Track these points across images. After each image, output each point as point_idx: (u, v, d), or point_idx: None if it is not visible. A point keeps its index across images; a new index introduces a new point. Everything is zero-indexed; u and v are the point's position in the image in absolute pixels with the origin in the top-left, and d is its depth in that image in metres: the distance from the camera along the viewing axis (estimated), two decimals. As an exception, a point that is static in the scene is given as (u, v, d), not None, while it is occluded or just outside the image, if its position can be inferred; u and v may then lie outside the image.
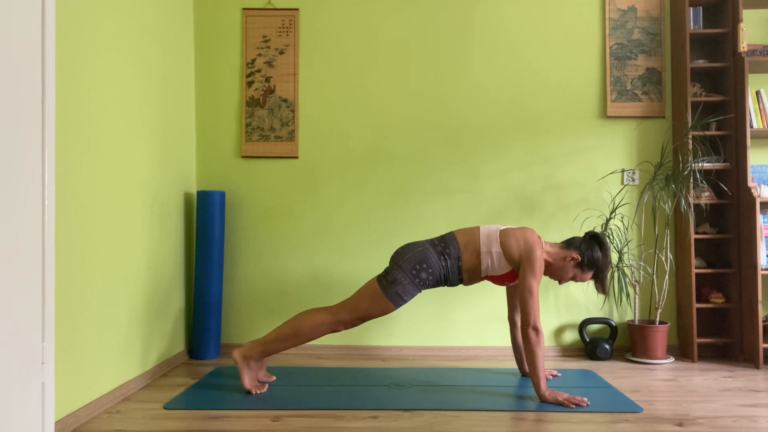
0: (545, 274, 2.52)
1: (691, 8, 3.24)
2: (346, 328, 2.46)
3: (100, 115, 2.28)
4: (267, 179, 3.38)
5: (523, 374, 2.76)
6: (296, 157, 3.38)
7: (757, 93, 3.14)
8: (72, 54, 2.09)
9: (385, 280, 2.42)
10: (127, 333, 2.51)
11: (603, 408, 2.25)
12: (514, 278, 2.52)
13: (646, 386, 2.61)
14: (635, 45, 3.35)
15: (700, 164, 3.14)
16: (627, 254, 3.26)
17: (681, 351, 3.26)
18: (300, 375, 2.77)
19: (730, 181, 3.20)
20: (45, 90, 1.60)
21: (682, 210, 3.11)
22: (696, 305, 3.08)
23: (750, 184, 3.05)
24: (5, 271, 1.44)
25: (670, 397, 2.42)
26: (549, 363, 3.09)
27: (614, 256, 3.27)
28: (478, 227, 2.52)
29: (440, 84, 3.38)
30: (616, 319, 3.31)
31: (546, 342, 3.32)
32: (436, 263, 2.43)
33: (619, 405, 2.29)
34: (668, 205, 3.18)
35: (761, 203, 3.17)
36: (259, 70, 3.39)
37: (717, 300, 3.14)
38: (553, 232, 3.34)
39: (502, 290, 3.31)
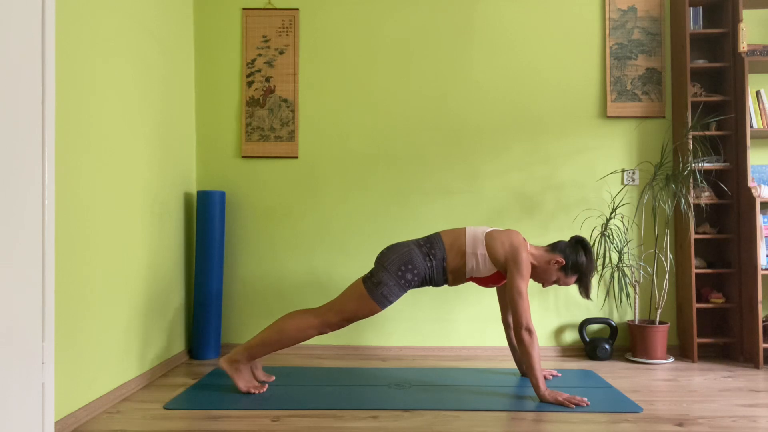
0: (532, 277, 2.53)
1: (691, 8, 3.24)
2: (333, 330, 2.46)
3: (100, 115, 2.28)
4: (267, 179, 3.38)
5: (523, 374, 2.76)
6: (296, 157, 3.38)
7: (757, 93, 3.14)
8: (72, 54, 2.09)
9: (370, 281, 2.42)
10: (127, 333, 2.51)
11: (603, 408, 2.25)
12: (499, 280, 2.52)
13: (646, 386, 2.61)
14: (635, 45, 3.35)
15: (700, 164, 3.14)
16: (627, 254, 3.26)
17: (681, 351, 3.26)
18: (300, 375, 2.77)
19: (730, 181, 3.20)
20: (45, 90, 1.60)
21: (682, 210, 3.11)
22: (696, 305, 3.08)
23: (750, 184, 3.05)
24: (5, 271, 1.44)
25: (670, 397, 2.42)
26: (549, 363, 3.09)
27: (614, 256, 3.27)
28: (465, 228, 2.52)
29: (440, 84, 3.38)
30: (616, 319, 3.31)
31: (546, 342, 3.32)
32: (421, 264, 2.44)
33: (619, 405, 2.29)
34: (668, 205, 3.18)
35: (761, 203, 3.17)
36: (259, 70, 3.39)
37: (717, 300, 3.14)
38: (553, 232, 3.34)
39: (502, 290, 3.31)
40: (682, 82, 3.20)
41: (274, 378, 2.66)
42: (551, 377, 2.73)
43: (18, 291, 1.49)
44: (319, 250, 3.36)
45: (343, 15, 3.41)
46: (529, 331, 2.33)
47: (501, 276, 2.50)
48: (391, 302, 2.43)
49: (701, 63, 3.19)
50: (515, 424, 2.07)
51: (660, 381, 2.70)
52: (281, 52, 3.39)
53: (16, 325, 1.48)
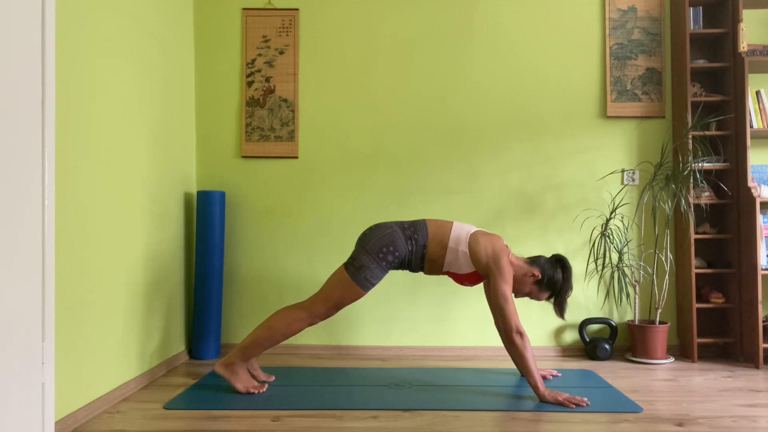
0: (486, 285, 2.54)
1: (691, 8, 3.24)
2: (322, 320, 2.47)
3: (100, 115, 2.28)
4: (267, 179, 3.38)
5: (523, 374, 2.76)
6: (296, 157, 3.38)
7: (757, 93, 3.14)
8: (72, 54, 2.09)
9: (352, 266, 2.43)
10: (127, 333, 2.51)
11: (603, 408, 2.25)
12: (476, 280, 2.53)
13: (646, 386, 2.61)
14: (635, 45, 3.35)
15: (700, 164, 3.14)
16: (627, 254, 3.26)
17: (681, 351, 3.26)
18: (300, 375, 2.77)
19: (730, 181, 3.20)
20: (45, 90, 1.60)
21: (682, 210, 3.11)
22: (696, 305, 3.08)
23: (750, 184, 3.05)
24: (5, 271, 1.44)
25: (670, 397, 2.42)
26: (549, 363, 3.09)
27: (614, 256, 3.27)
28: (452, 223, 2.53)
29: (440, 84, 3.38)
30: (616, 319, 3.31)
31: (546, 342, 3.32)
32: (402, 246, 2.44)
33: (619, 405, 2.29)
34: (668, 205, 3.18)
35: (761, 203, 3.17)
36: (259, 70, 3.39)
37: (717, 300, 3.14)
38: (553, 232, 3.34)
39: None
40: (682, 82, 3.20)
41: (273, 378, 2.66)
42: (551, 377, 2.73)
43: (18, 291, 1.49)
44: (319, 250, 3.36)
45: (343, 15, 3.41)
46: (520, 333, 2.33)
47: (478, 277, 2.51)
48: (374, 285, 2.45)
49: (701, 63, 3.19)
50: (515, 424, 2.07)
51: (660, 381, 2.70)
52: (281, 52, 3.39)
53: (16, 325, 1.48)
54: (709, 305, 3.10)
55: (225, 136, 3.40)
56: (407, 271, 2.58)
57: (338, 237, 3.36)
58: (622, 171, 3.35)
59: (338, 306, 2.45)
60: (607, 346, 3.14)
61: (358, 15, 3.40)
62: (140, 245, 2.63)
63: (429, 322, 3.33)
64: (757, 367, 2.94)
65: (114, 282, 2.38)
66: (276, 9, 3.40)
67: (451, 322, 3.32)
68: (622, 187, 3.35)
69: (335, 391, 2.48)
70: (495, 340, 3.31)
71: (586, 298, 3.33)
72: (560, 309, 2.52)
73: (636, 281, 3.19)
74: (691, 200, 3.10)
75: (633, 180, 3.34)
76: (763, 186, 3.08)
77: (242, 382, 2.46)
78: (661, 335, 3.05)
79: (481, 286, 3.33)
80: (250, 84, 3.38)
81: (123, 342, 2.46)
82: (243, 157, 3.38)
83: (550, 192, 3.35)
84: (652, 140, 3.35)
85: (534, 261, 2.54)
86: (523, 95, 3.37)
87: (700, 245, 3.32)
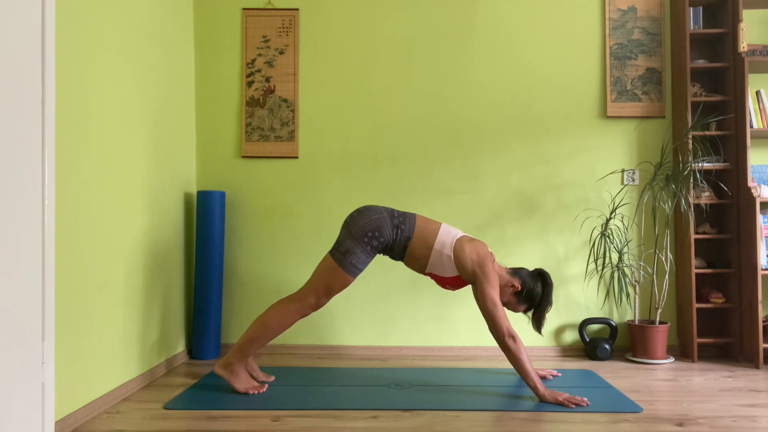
0: (474, 292, 2.54)
1: (691, 8, 3.24)
2: (315, 309, 2.47)
3: (100, 115, 2.28)
4: (267, 179, 3.38)
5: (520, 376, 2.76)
6: (296, 157, 3.38)
7: (757, 93, 3.14)
8: (72, 54, 2.09)
9: (338, 252, 2.43)
10: (127, 333, 2.51)
11: (603, 408, 2.25)
12: (458, 285, 2.54)
13: (646, 386, 2.61)
14: (635, 45, 3.35)
15: (700, 164, 3.14)
16: (627, 254, 3.26)
17: (681, 351, 3.26)
18: (300, 375, 2.77)
19: (730, 181, 3.20)
20: (45, 90, 1.60)
21: (682, 210, 3.11)
22: (696, 305, 3.08)
23: (750, 184, 3.05)
24: (5, 271, 1.44)
25: (670, 397, 2.42)
26: (549, 363, 3.09)
27: (614, 256, 3.27)
28: (440, 224, 2.52)
29: (440, 84, 3.38)
30: (616, 319, 3.31)
31: (546, 342, 3.32)
32: (388, 233, 2.45)
33: (619, 405, 2.29)
34: (668, 205, 3.18)
35: (761, 203, 3.17)
36: (259, 70, 3.39)
37: (717, 300, 3.14)
38: (553, 232, 3.34)
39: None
40: (682, 82, 3.20)
41: (273, 378, 2.66)
42: (551, 377, 2.72)
43: (18, 291, 1.49)
44: (319, 250, 3.36)
45: (343, 15, 3.41)
46: (513, 337, 2.32)
47: (460, 281, 2.52)
48: (361, 270, 2.45)
49: (701, 63, 3.19)
50: (515, 424, 2.07)
51: (660, 381, 2.70)
52: (281, 52, 3.39)
53: (16, 325, 1.48)
54: (709, 305, 3.10)
55: (225, 136, 3.40)
56: (390, 259, 2.59)
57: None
58: (622, 171, 3.35)
59: (328, 294, 2.45)
60: (607, 346, 3.14)
61: (358, 15, 3.40)
62: (140, 245, 2.63)
63: (429, 322, 3.33)
64: (757, 367, 2.94)
65: (114, 282, 2.38)
66: (276, 9, 3.40)
67: (451, 322, 3.32)
68: (622, 187, 3.35)
69: (335, 391, 2.48)
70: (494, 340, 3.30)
71: (586, 298, 3.33)
72: (538, 324, 2.53)
73: (636, 281, 3.19)
74: (691, 200, 3.10)
75: (633, 180, 3.34)
76: (763, 186, 3.08)
77: (242, 382, 2.46)
78: (661, 335, 3.05)
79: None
80: (250, 84, 3.38)
81: (123, 342, 2.46)
82: (243, 157, 3.38)
83: (550, 192, 3.35)
84: (652, 140, 3.35)
85: (516, 272, 2.55)
86: (523, 95, 3.37)
87: (700, 245, 3.32)
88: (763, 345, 2.93)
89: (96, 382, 2.23)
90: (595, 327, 3.33)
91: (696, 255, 3.28)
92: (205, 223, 3.13)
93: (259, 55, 3.39)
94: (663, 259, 3.23)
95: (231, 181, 3.39)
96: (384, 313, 3.33)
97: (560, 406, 2.27)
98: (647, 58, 3.35)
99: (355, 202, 3.36)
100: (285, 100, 3.38)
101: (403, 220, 2.48)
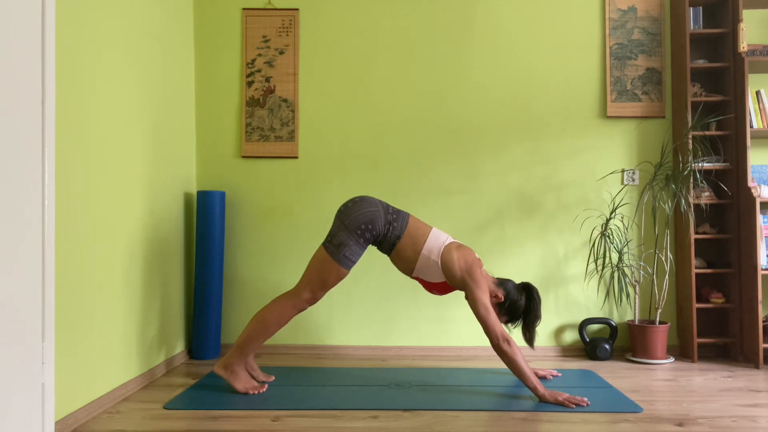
0: (466, 298, 2.55)
1: (691, 8, 3.24)
2: (311, 304, 2.47)
3: (100, 115, 2.28)
4: (267, 179, 3.38)
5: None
6: (296, 157, 3.38)
7: (757, 93, 3.14)
8: (72, 54, 2.09)
9: (331, 244, 2.43)
10: (127, 333, 2.51)
11: (603, 408, 2.25)
12: (444, 290, 2.54)
13: (646, 386, 2.61)
14: (635, 45, 3.35)
15: (700, 164, 3.14)
16: (627, 254, 3.26)
17: (681, 351, 3.26)
18: (300, 375, 2.77)
19: (730, 181, 3.20)
20: (45, 90, 1.60)
21: (682, 210, 3.11)
22: (696, 305, 3.08)
23: (750, 184, 3.05)
24: (5, 271, 1.44)
25: (670, 397, 2.42)
26: (549, 363, 3.09)
27: (614, 256, 3.27)
28: (431, 229, 2.52)
29: (440, 84, 3.38)
30: (616, 319, 3.31)
31: (546, 342, 3.32)
32: (380, 227, 2.45)
33: (619, 405, 2.29)
34: (668, 205, 3.18)
35: (761, 203, 3.17)
36: (259, 70, 3.39)
37: (717, 300, 3.14)
38: (553, 232, 3.34)
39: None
40: (682, 82, 3.20)
41: (273, 378, 2.66)
42: (551, 377, 2.72)
43: (18, 291, 1.49)
44: (319, 250, 3.36)
45: (343, 15, 3.41)
46: (507, 340, 2.32)
47: (447, 287, 2.52)
48: (354, 262, 2.45)
49: (701, 63, 3.19)
50: (515, 424, 2.07)
51: (660, 381, 2.70)
52: (281, 52, 3.39)
53: (16, 324, 1.48)
54: (709, 305, 3.10)
55: (225, 136, 3.40)
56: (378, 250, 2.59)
57: (338, 237, 3.35)
58: (622, 171, 3.35)
59: (323, 287, 2.44)
60: (607, 346, 3.14)
61: (358, 15, 3.40)
62: (140, 245, 2.63)
63: (429, 322, 3.33)
64: (757, 367, 2.94)
65: (114, 282, 2.38)
66: (276, 9, 3.40)
67: (451, 322, 3.32)
68: (622, 187, 3.35)
69: (335, 391, 2.48)
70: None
71: (586, 298, 3.33)
72: (528, 338, 2.53)
73: (636, 281, 3.19)
74: (691, 200, 3.10)
75: (633, 180, 3.34)
76: (763, 186, 3.08)
77: (242, 382, 2.46)
78: (661, 335, 3.05)
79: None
80: (250, 84, 3.38)
81: (123, 342, 2.46)
82: (243, 157, 3.38)
83: (550, 192, 3.35)
84: (652, 140, 3.35)
85: (501, 283, 2.55)
86: (523, 95, 3.37)
87: (700, 245, 3.32)
88: (763, 345, 2.93)
89: (96, 382, 2.23)
90: (595, 327, 3.33)
91: (696, 255, 3.28)
92: (205, 223, 3.13)
93: (259, 55, 3.39)
94: (663, 259, 3.23)
95: (231, 181, 3.39)
96: (384, 313, 3.34)
97: (560, 406, 2.27)
98: (647, 58, 3.35)
99: (355, 202, 3.35)
100: (285, 100, 3.38)
101: (396, 218, 2.48)
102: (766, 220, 3.08)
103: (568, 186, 3.35)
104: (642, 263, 3.30)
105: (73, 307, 2.08)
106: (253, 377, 2.60)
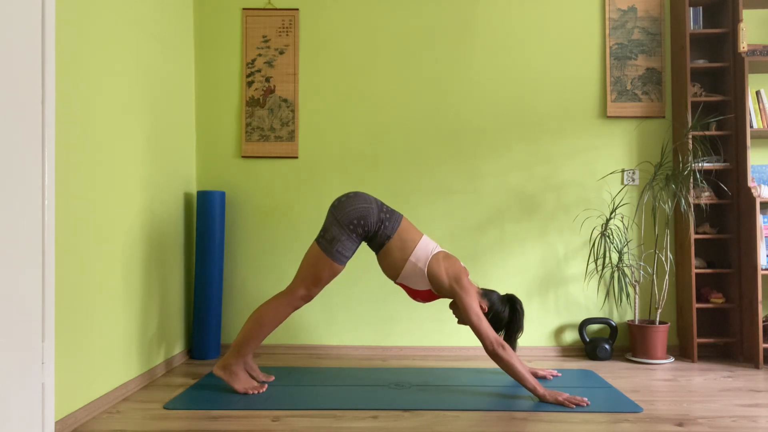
0: (450, 306, 2.56)
1: (691, 8, 3.24)
2: (306, 301, 2.47)
3: (100, 115, 2.28)
4: (267, 179, 3.38)
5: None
6: (296, 157, 3.38)
7: (757, 93, 3.14)
8: (72, 54, 2.09)
9: (324, 239, 2.42)
10: (127, 333, 2.51)
11: (603, 408, 2.25)
12: (428, 298, 2.55)
13: (646, 386, 2.61)
14: (635, 45, 3.35)
15: (700, 164, 3.14)
16: (627, 254, 3.26)
17: (681, 351, 3.26)
18: (300, 375, 2.77)
19: (730, 181, 3.20)
20: (45, 90, 1.60)
21: (682, 210, 3.11)
22: (696, 305, 3.08)
23: (750, 184, 3.05)
24: (5, 271, 1.44)
25: (670, 397, 2.42)
26: (549, 363, 3.09)
27: (614, 256, 3.27)
28: (421, 236, 2.51)
29: (440, 84, 3.38)
30: (616, 319, 3.31)
31: (546, 342, 3.32)
32: (373, 224, 2.44)
33: (619, 405, 2.29)
34: (668, 205, 3.18)
35: (761, 203, 3.17)
36: (259, 70, 3.39)
37: (717, 300, 3.14)
38: (553, 232, 3.34)
39: (502, 288, 3.29)
40: (682, 82, 3.20)
41: (273, 378, 2.66)
42: (551, 377, 2.72)
43: (18, 291, 1.49)
44: (319, 250, 3.36)
45: (343, 15, 3.41)
46: (502, 345, 2.32)
47: (431, 295, 2.52)
48: (348, 257, 2.44)
49: (701, 63, 3.19)
50: (515, 424, 2.07)
51: (660, 381, 2.70)
52: (281, 52, 3.39)
53: (16, 325, 1.48)
54: (709, 305, 3.10)
55: (225, 136, 3.40)
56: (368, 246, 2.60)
57: (338, 237, 3.35)
58: (622, 171, 3.35)
59: (317, 284, 2.44)
60: (607, 346, 3.14)
61: (358, 15, 3.40)
62: (140, 245, 2.63)
63: (429, 321, 3.33)
64: (757, 367, 2.94)
65: (114, 281, 2.38)
66: (276, 9, 3.40)
67: (451, 322, 3.32)
68: (622, 187, 3.35)
69: (335, 391, 2.48)
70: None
71: (586, 298, 3.33)
72: (510, 345, 2.53)
73: (636, 281, 3.19)
74: (691, 200, 3.10)
75: (633, 180, 3.34)
76: (763, 186, 3.08)
77: (241, 382, 2.46)
78: (661, 335, 3.05)
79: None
80: (250, 84, 3.38)
81: (123, 342, 2.46)
82: (243, 157, 3.38)
83: (550, 192, 3.35)
84: (652, 140, 3.35)
85: (486, 294, 2.55)
86: (523, 95, 3.37)
87: (700, 245, 3.32)
88: (763, 345, 2.93)
89: (96, 382, 2.23)
90: (595, 327, 3.33)
91: (696, 255, 3.28)
92: (205, 223, 3.13)
93: (259, 55, 3.39)
94: (663, 259, 3.23)
95: (231, 181, 3.39)
96: (384, 313, 3.33)
97: (560, 406, 2.27)
98: (647, 58, 3.35)
99: (355, 202, 3.35)
100: (285, 100, 3.38)
101: (389, 217, 2.48)
102: (766, 220, 3.08)
103: (568, 186, 3.35)
104: (642, 263, 3.30)
105: (73, 307, 2.08)
106: (252, 377, 2.60)
